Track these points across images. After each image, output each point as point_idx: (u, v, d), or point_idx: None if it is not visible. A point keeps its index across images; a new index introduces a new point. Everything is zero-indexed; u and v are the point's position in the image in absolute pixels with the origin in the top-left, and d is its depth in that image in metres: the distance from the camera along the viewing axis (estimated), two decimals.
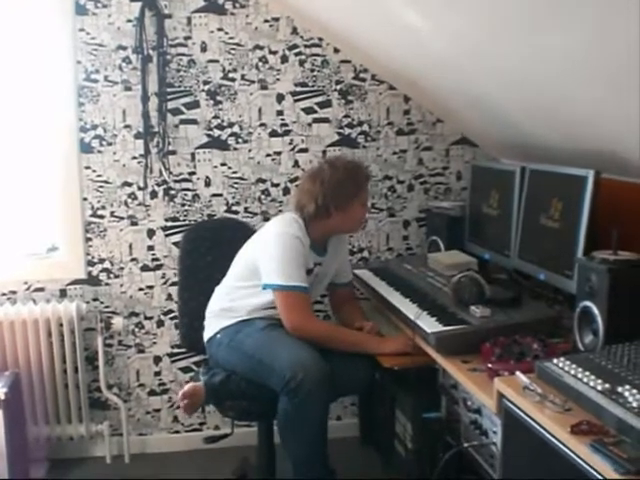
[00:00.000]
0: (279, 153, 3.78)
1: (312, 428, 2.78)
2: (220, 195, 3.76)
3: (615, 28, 1.86)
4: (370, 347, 2.91)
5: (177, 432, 3.93)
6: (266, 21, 3.66)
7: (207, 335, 3.13)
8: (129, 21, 3.54)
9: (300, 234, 3.01)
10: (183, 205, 3.73)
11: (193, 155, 3.71)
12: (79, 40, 3.53)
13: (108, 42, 3.55)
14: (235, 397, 2.96)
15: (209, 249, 3.40)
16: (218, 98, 3.68)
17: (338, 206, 3.04)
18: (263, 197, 3.79)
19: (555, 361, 2.00)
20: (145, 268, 3.76)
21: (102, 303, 3.74)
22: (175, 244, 3.69)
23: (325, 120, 3.79)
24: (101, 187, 3.66)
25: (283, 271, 2.93)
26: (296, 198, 3.15)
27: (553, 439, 1.77)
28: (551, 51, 2.25)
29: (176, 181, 3.71)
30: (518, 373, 2.04)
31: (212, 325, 3.12)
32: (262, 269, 2.99)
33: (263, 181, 3.78)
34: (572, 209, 2.59)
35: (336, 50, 3.74)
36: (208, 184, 3.74)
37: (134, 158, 3.66)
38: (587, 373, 1.88)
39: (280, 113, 3.75)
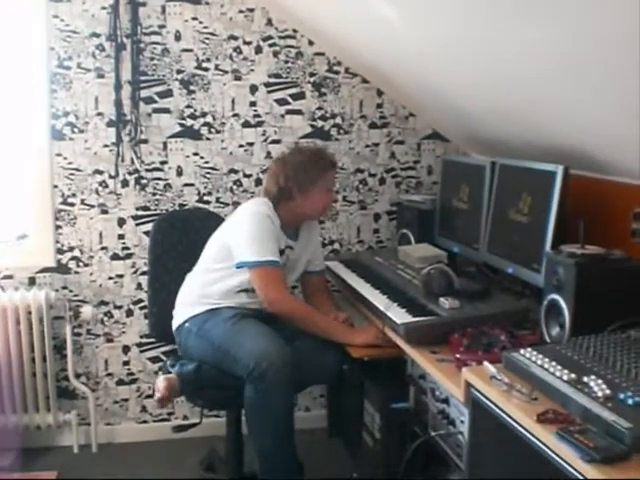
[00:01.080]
0: (252, 144, 3.78)
1: (277, 416, 2.79)
2: (192, 185, 3.75)
3: (584, 25, 1.88)
4: (340, 336, 2.93)
5: (145, 422, 3.93)
6: (241, 11, 3.65)
7: (176, 323, 3.13)
8: (103, 8, 3.51)
9: (270, 213, 3.04)
10: (154, 194, 3.72)
11: (165, 144, 3.70)
12: (53, 27, 3.50)
13: (82, 29, 3.53)
14: (206, 386, 2.96)
15: (180, 239, 3.39)
16: (191, 87, 3.67)
17: (300, 189, 3.08)
18: (235, 188, 3.79)
19: (522, 351, 2.03)
20: (115, 257, 3.74)
21: (71, 292, 3.72)
22: (146, 233, 3.68)
23: (298, 112, 3.80)
24: (72, 175, 3.63)
25: (255, 247, 2.96)
26: (265, 182, 3.26)
27: (520, 428, 1.80)
28: (520, 49, 2.28)
29: (148, 170, 3.69)
30: (486, 363, 2.06)
31: (181, 313, 3.12)
32: (234, 248, 3.02)
33: (235, 172, 3.78)
34: (541, 204, 2.62)
35: (310, 42, 3.75)
36: (180, 174, 3.73)
37: (106, 146, 3.64)
38: (553, 363, 1.91)
39: (253, 104, 3.75)
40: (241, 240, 3.01)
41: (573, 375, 1.83)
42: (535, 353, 1.99)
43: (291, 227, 3.17)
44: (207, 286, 3.08)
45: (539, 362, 1.94)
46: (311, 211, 3.18)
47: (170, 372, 2.99)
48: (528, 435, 1.76)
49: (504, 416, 1.88)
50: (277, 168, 3.14)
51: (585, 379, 1.79)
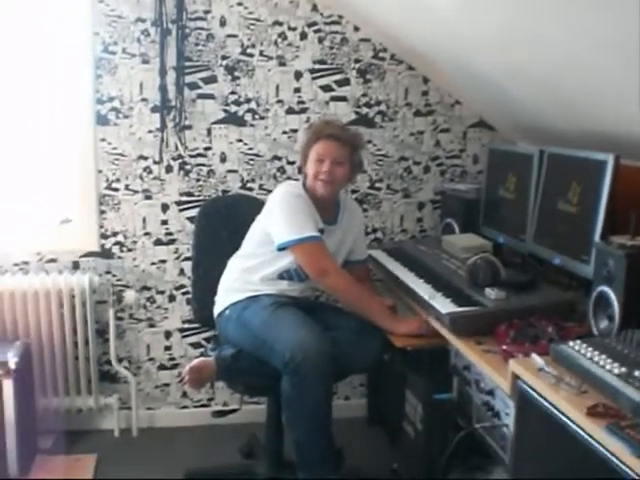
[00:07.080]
0: (295, 131, 3.76)
1: (313, 408, 2.76)
2: (235, 171, 3.75)
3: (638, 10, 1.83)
4: (385, 321, 2.89)
5: (185, 407, 3.94)
6: None
7: (217, 310, 3.14)
8: None
9: (300, 192, 3.06)
10: (198, 180, 3.72)
11: (209, 130, 3.69)
12: (98, 11, 3.51)
13: (127, 14, 3.53)
14: (245, 373, 2.95)
15: (224, 225, 3.39)
16: (236, 73, 3.66)
17: (303, 162, 3.15)
18: (278, 174, 3.77)
19: (571, 344, 2.00)
20: (158, 242, 3.75)
21: (114, 276, 3.74)
22: (189, 219, 3.69)
23: (343, 99, 3.77)
24: (116, 160, 3.65)
25: (293, 226, 2.94)
26: None
27: (568, 421, 1.77)
28: (571, 34, 2.23)
29: (191, 156, 3.69)
30: (534, 355, 2.03)
31: (222, 300, 3.13)
32: (273, 232, 2.99)
33: (279, 158, 3.77)
34: (591, 194, 2.57)
35: (356, 28, 3.71)
36: (224, 160, 3.72)
37: (150, 132, 3.64)
38: (603, 356, 1.87)
39: (297, 90, 3.73)
40: (277, 222, 2.99)
41: (623, 369, 1.79)
42: (584, 345, 1.95)
43: (324, 209, 3.11)
44: (248, 272, 3.07)
45: (588, 355, 1.90)
46: (310, 184, 3.09)
47: (210, 356, 2.99)
48: (577, 429, 1.73)
49: (552, 409, 1.85)
50: None
51: (636, 373, 1.76)
